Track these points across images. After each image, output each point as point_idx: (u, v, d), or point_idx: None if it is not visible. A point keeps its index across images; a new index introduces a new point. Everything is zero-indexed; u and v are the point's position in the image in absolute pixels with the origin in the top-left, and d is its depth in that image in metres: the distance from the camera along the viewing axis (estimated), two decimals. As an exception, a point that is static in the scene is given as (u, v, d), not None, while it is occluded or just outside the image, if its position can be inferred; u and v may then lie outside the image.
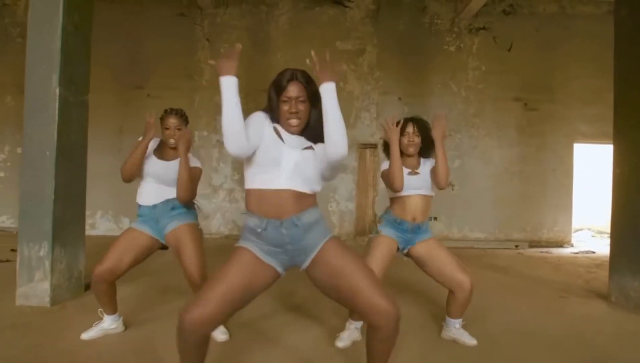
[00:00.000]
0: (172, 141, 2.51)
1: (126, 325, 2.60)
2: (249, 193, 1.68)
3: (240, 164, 7.38)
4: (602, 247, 6.63)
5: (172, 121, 2.52)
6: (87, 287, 3.40)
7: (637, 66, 3.31)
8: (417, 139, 2.51)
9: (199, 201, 2.64)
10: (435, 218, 6.88)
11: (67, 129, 3.08)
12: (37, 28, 2.98)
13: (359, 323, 2.50)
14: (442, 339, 2.63)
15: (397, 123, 2.50)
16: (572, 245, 7.09)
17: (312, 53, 1.61)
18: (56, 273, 2.99)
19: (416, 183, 2.49)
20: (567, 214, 7.20)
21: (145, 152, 2.46)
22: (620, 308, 3.32)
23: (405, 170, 2.48)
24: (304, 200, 1.65)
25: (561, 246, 7.03)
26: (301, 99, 1.67)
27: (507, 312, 3.21)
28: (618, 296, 3.36)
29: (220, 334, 2.46)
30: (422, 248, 2.50)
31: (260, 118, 1.70)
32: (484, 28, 7.26)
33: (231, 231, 7.12)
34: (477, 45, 7.26)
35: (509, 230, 7.14)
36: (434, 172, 2.47)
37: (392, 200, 2.59)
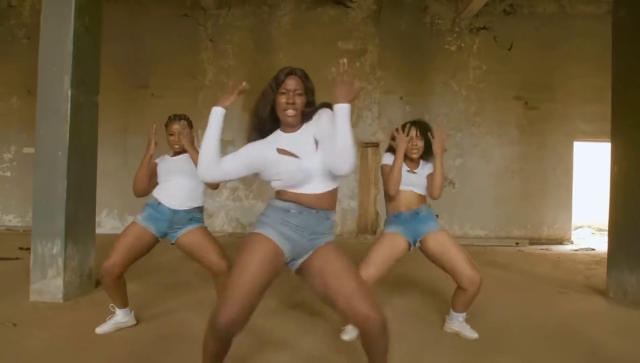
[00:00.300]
0: (177, 147, 2.59)
1: (138, 320, 2.69)
2: (281, 192, 1.72)
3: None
4: (602, 244, 6.69)
5: (176, 127, 2.59)
6: (98, 284, 3.48)
7: (635, 66, 3.38)
8: (420, 143, 2.61)
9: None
10: (437, 216, 6.93)
11: (79, 130, 3.16)
12: (49, 30, 3.07)
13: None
14: (444, 333, 2.71)
15: (403, 127, 2.59)
16: (572, 242, 7.16)
17: (340, 63, 1.65)
18: (69, 270, 3.08)
19: (412, 180, 2.60)
20: (567, 212, 7.27)
21: (148, 165, 2.57)
22: (618, 303, 3.39)
23: (405, 167, 2.58)
24: (335, 194, 1.76)
25: (561, 243, 7.10)
26: (298, 92, 1.74)
27: (507, 307, 3.28)
28: (616, 292, 3.43)
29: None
30: (433, 242, 2.56)
31: (253, 150, 1.77)
32: (484, 28, 7.33)
33: (235, 229, 7.20)
34: (478, 44, 7.32)
35: (509, 228, 7.22)
36: (430, 182, 2.59)
37: (389, 197, 2.67)
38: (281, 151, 1.70)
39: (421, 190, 2.64)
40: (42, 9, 3.08)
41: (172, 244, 2.60)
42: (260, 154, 1.74)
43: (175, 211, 2.52)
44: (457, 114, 7.23)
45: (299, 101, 1.74)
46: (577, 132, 7.27)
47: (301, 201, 1.68)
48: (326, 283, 1.64)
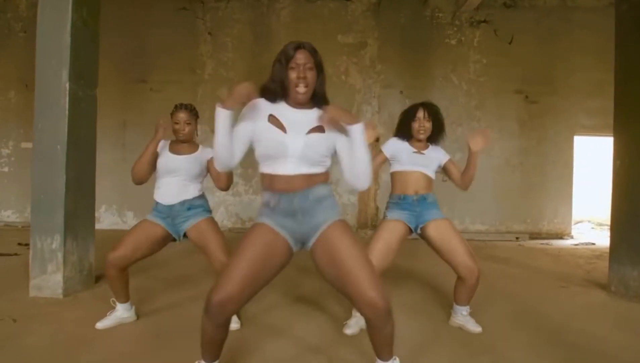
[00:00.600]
0: (181, 135, 2.58)
1: (138, 315, 2.67)
2: (262, 175, 1.77)
3: (243, 158, 7.43)
4: (602, 239, 6.70)
5: (181, 115, 2.59)
6: (98, 279, 3.47)
7: (637, 60, 3.35)
8: (428, 125, 2.62)
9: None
10: (437, 211, 6.94)
11: (77, 124, 3.13)
12: (47, 24, 3.03)
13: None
14: (447, 326, 2.70)
15: (412, 108, 2.67)
16: (572, 237, 7.16)
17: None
18: (68, 265, 3.05)
19: (419, 160, 2.61)
20: (567, 206, 7.26)
21: (154, 152, 2.54)
22: (620, 297, 3.39)
23: (411, 149, 2.61)
24: (314, 178, 1.73)
25: (561, 238, 7.10)
26: (309, 66, 1.72)
27: (508, 301, 3.28)
28: (618, 286, 3.43)
29: (232, 323, 2.53)
30: (434, 229, 2.55)
31: (252, 114, 1.76)
32: (485, 21, 7.28)
33: (234, 224, 7.19)
34: (479, 38, 7.28)
35: (509, 222, 7.21)
36: (462, 175, 2.70)
37: (394, 176, 2.68)
38: (272, 120, 1.72)
39: (430, 172, 2.64)
40: (39, 1, 3.03)
41: (184, 238, 2.61)
42: (253, 126, 1.74)
43: (170, 207, 2.53)
44: (458, 108, 7.20)
45: (310, 75, 1.73)
46: (578, 127, 7.25)
47: (275, 187, 1.71)
48: (334, 269, 1.65)
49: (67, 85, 3.00)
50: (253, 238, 1.68)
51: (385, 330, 1.66)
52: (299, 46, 1.73)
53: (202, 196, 2.64)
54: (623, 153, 3.45)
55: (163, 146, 2.62)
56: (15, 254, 4.65)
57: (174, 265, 4.20)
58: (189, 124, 2.60)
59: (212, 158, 2.54)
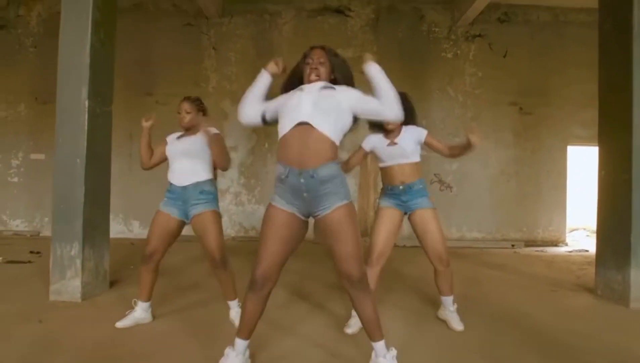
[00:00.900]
0: (183, 124, 2.89)
1: (154, 317, 2.86)
2: (278, 144, 2.03)
3: (246, 169, 7.66)
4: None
5: (183, 105, 2.90)
6: (112, 284, 3.66)
7: (618, 75, 3.57)
8: None
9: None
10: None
11: (95, 138, 3.34)
12: (68, 45, 3.25)
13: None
14: (432, 324, 2.92)
15: None
16: (566, 244, 7.35)
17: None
18: (86, 271, 3.25)
19: (394, 152, 2.79)
20: (561, 214, 7.47)
21: (147, 140, 2.94)
22: (605, 300, 3.58)
23: (385, 141, 2.81)
24: (323, 149, 1.95)
25: (556, 245, 7.29)
26: (321, 60, 2.09)
27: (500, 303, 3.47)
28: (604, 289, 3.62)
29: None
30: (419, 217, 2.80)
31: (286, 94, 2.16)
32: (480, 35, 7.54)
33: (237, 232, 7.37)
34: (474, 51, 7.53)
35: (505, 230, 7.41)
36: (451, 149, 2.85)
37: (381, 171, 2.94)
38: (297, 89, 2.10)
39: (410, 159, 2.81)
40: (61, 23, 3.25)
41: (187, 223, 2.85)
42: (285, 97, 2.12)
43: (184, 188, 2.76)
44: (454, 119, 7.43)
45: (322, 69, 2.06)
46: (571, 137, 7.47)
47: (286, 159, 1.96)
48: (328, 242, 1.98)
49: (86, 103, 3.22)
50: (270, 222, 2.01)
51: (366, 304, 1.99)
52: (314, 47, 2.14)
53: (212, 182, 2.85)
54: (607, 163, 3.66)
55: (172, 138, 2.93)
56: (29, 261, 4.85)
57: (184, 271, 4.38)
58: (189, 113, 2.87)
59: (212, 136, 2.75)
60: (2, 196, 7.45)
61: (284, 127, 2.00)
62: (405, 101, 2.73)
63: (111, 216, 7.12)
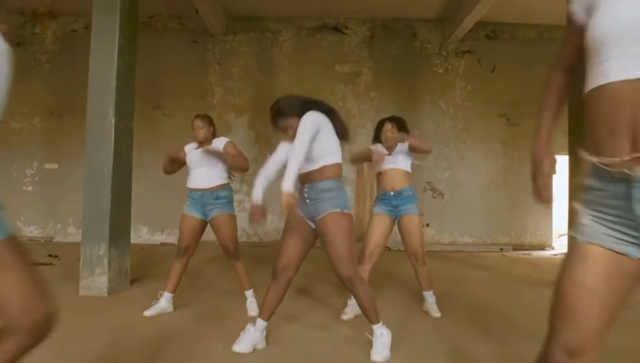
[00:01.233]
0: (198, 137, 3.30)
1: (175, 307, 3.27)
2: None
3: (249, 177, 8.06)
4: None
5: (196, 123, 3.32)
6: (133, 282, 4.07)
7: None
8: (393, 135, 3.24)
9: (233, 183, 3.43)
10: (428, 224, 7.56)
11: (119, 150, 3.76)
12: (97, 69, 3.68)
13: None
14: (418, 314, 3.35)
15: (380, 123, 3.38)
16: (552, 248, 7.76)
17: None
18: (112, 269, 3.65)
19: (389, 159, 3.25)
20: (548, 220, 7.89)
21: (169, 160, 3.36)
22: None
23: (384, 150, 3.27)
24: (314, 175, 2.43)
25: (543, 249, 7.70)
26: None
27: (482, 298, 3.87)
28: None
29: (251, 311, 3.16)
30: (405, 222, 3.26)
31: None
32: (469, 51, 8.00)
33: (241, 238, 7.73)
34: (464, 67, 7.99)
35: (495, 235, 7.82)
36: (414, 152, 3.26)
37: (377, 177, 3.38)
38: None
39: (401, 166, 3.26)
40: (91, 50, 3.69)
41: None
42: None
43: (201, 194, 3.21)
44: (445, 130, 7.87)
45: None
46: (557, 147, 7.80)
47: (299, 180, 2.45)
48: (323, 245, 2.45)
49: (113, 120, 3.65)
50: (289, 222, 2.54)
51: (359, 297, 2.44)
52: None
53: (227, 187, 3.29)
54: (577, 172, 4.09)
55: (190, 147, 3.37)
56: (50, 264, 5.24)
57: (200, 270, 4.79)
58: (201, 128, 3.28)
59: (225, 145, 3.24)
60: (17, 204, 7.82)
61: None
62: (403, 126, 3.31)
63: (121, 223, 7.67)
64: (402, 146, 3.26)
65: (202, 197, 3.20)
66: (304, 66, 7.83)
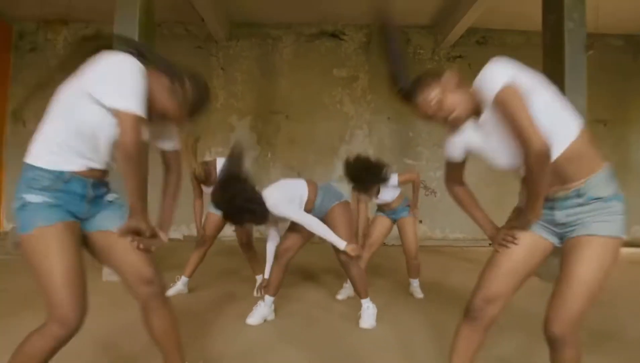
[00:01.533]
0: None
1: (189, 290, 3.70)
2: None
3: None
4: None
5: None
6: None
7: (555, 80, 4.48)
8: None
9: None
10: (421, 221, 7.98)
11: (137, 151, 4.17)
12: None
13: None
14: (405, 295, 3.79)
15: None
16: (539, 243, 8.17)
17: None
18: (131, 257, 4.06)
19: (381, 195, 3.73)
20: (534, 216, 8.29)
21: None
22: (545, 280, 4.38)
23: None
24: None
25: (529, 244, 8.11)
26: None
27: (459, 284, 4.30)
28: (545, 273, 4.42)
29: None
30: (401, 224, 3.80)
31: None
32: (460, 56, 8.43)
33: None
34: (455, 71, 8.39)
35: (484, 231, 8.22)
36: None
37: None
38: None
39: (391, 196, 3.73)
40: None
41: None
42: None
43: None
44: (438, 131, 8.26)
45: None
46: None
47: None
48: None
49: (132, 123, 4.06)
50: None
51: (352, 276, 2.94)
52: None
53: None
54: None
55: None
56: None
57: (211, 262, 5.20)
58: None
59: None
60: (31, 202, 8.24)
61: None
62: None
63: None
64: (387, 188, 3.73)
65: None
66: (304, 71, 8.25)
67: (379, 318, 2.96)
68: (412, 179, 3.77)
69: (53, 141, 1.52)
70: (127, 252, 1.60)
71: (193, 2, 6.58)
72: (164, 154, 1.90)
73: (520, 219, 1.58)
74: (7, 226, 8.19)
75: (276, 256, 2.99)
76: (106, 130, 1.52)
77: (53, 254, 1.43)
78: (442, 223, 8.18)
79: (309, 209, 2.97)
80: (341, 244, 2.79)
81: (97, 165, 1.61)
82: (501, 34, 8.44)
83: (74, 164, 1.53)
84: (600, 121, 8.52)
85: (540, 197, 1.51)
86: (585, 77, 4.61)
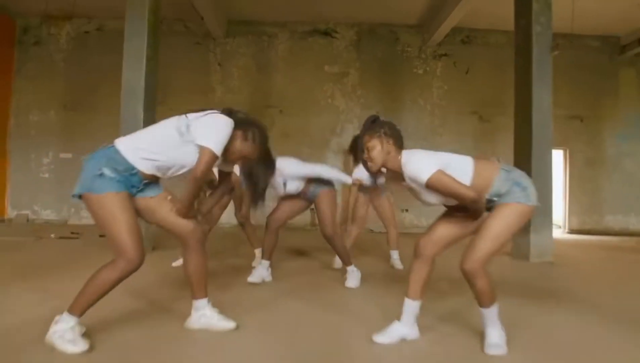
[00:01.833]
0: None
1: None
2: None
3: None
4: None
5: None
6: (153, 249, 4.91)
7: (524, 76, 4.96)
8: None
9: None
10: (407, 210, 8.46)
11: (146, 140, 4.59)
12: (129, 75, 4.51)
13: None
14: (384, 269, 4.23)
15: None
16: (518, 232, 8.69)
17: None
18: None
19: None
20: (514, 206, 8.81)
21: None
22: (517, 259, 4.92)
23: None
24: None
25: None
26: None
27: (439, 263, 4.74)
28: (516, 251, 4.96)
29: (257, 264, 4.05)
30: (379, 202, 4.29)
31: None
32: (446, 55, 8.89)
33: (239, 222, 8.61)
34: (441, 68, 8.88)
35: (467, 220, 8.72)
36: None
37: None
38: None
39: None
40: (124, 58, 4.53)
41: None
42: None
43: None
44: (424, 126, 8.76)
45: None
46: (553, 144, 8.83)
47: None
48: (317, 216, 3.40)
49: (142, 114, 4.48)
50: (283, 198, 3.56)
51: (335, 246, 3.49)
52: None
53: None
54: (519, 159, 5.01)
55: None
56: (77, 237, 6.05)
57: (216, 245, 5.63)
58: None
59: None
60: (35, 190, 8.60)
61: None
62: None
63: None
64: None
65: None
66: (297, 67, 8.66)
67: (362, 281, 3.44)
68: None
69: (147, 153, 2.04)
70: (168, 214, 2.19)
71: (193, 0, 6.95)
72: (221, 172, 2.51)
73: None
74: (12, 213, 8.54)
75: (267, 225, 3.46)
76: (191, 164, 2.11)
77: (119, 212, 1.97)
78: (427, 211, 8.59)
79: (305, 190, 3.44)
80: (347, 179, 3.63)
81: (160, 175, 2.15)
82: (484, 34, 8.91)
83: (147, 170, 2.06)
84: (577, 117, 9.05)
85: (482, 212, 2.13)
86: (551, 75, 5.08)
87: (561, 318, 2.80)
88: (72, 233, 6.59)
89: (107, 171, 1.97)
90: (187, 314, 2.41)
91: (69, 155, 8.61)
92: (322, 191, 3.47)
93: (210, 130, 2.07)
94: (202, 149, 2.04)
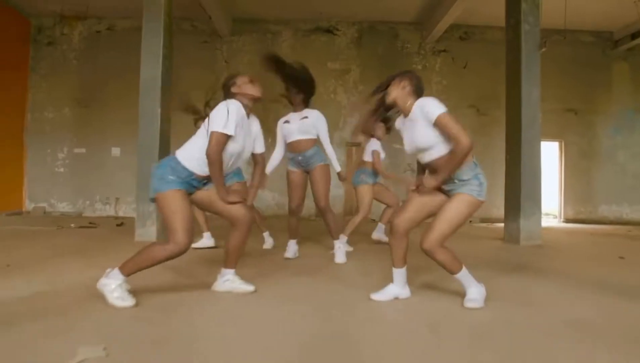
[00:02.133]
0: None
1: (217, 246, 4.50)
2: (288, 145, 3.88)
3: (250, 163, 9.23)
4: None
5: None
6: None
7: (515, 69, 5.30)
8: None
9: None
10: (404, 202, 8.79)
11: (163, 134, 4.94)
12: (147, 73, 4.85)
13: (344, 239, 4.43)
14: (369, 247, 4.56)
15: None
16: (514, 221, 9.04)
17: None
18: (159, 221, 4.85)
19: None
20: (511, 197, 9.15)
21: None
22: (508, 242, 5.26)
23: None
24: (307, 143, 3.75)
25: (505, 221, 8.98)
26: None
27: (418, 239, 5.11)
28: (507, 235, 5.30)
29: (269, 245, 4.43)
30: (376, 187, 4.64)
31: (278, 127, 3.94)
32: (444, 50, 9.20)
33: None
34: (439, 64, 9.20)
35: (465, 210, 9.06)
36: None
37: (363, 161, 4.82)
38: (286, 122, 4.04)
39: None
40: (142, 58, 4.86)
41: None
42: (281, 131, 4.06)
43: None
44: (423, 119, 9.06)
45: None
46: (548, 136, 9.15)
47: (293, 149, 3.80)
48: (312, 189, 3.74)
49: (159, 111, 4.83)
50: (290, 178, 3.91)
51: (326, 220, 3.89)
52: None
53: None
54: (510, 150, 5.34)
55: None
56: (95, 227, 6.43)
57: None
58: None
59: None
60: (51, 183, 8.99)
61: (289, 140, 3.97)
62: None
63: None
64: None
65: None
66: (301, 63, 8.97)
67: (350, 256, 3.87)
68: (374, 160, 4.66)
69: (202, 161, 2.46)
70: (224, 204, 2.57)
71: (200, 0, 7.29)
72: (254, 155, 2.94)
73: (429, 182, 2.49)
74: (30, 206, 8.94)
75: (291, 212, 3.89)
76: (238, 153, 2.63)
77: (176, 206, 2.39)
78: (426, 202, 8.98)
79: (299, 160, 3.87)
80: (337, 167, 3.93)
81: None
82: (482, 30, 9.21)
83: (204, 172, 2.50)
84: (572, 110, 9.36)
85: (448, 174, 2.39)
86: (539, 70, 5.39)
87: (540, 283, 3.16)
88: (90, 223, 6.98)
89: (171, 178, 2.42)
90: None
91: (83, 150, 8.99)
92: (319, 165, 3.79)
93: (212, 118, 2.46)
94: (211, 134, 2.43)
